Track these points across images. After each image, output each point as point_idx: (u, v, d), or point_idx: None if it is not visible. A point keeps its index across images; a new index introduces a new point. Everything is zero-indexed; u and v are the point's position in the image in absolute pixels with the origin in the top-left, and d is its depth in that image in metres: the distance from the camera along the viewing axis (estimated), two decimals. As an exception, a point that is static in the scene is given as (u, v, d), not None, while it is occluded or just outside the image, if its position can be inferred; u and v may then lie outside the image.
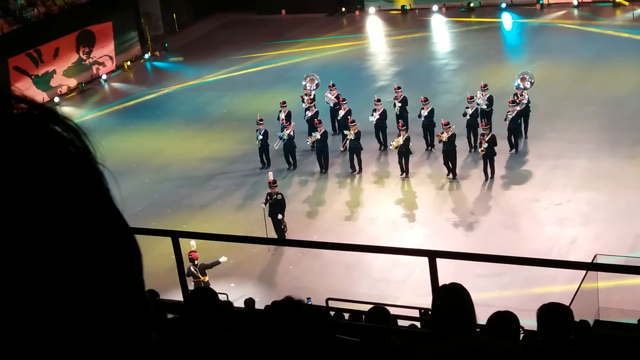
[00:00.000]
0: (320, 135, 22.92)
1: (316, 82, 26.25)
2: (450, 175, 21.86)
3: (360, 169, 22.92)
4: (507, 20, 36.03)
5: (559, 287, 15.37)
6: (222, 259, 17.40)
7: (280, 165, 23.87)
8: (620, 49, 29.76)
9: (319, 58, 31.49)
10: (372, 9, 39.60)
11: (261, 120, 23.71)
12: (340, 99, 25.01)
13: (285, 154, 23.70)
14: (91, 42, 35.30)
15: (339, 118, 24.72)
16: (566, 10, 35.66)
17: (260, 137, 23.59)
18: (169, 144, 26.74)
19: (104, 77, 35.16)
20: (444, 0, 38.12)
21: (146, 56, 37.25)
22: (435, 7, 38.01)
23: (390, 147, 22.62)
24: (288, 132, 23.40)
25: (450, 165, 21.81)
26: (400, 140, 21.92)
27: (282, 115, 24.42)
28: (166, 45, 38.11)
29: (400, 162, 22.19)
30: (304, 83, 26.33)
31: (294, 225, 20.08)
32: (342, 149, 23.60)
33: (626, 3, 34.82)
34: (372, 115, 23.72)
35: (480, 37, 33.84)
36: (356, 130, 22.58)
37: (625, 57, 28.64)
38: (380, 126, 23.83)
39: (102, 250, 0.90)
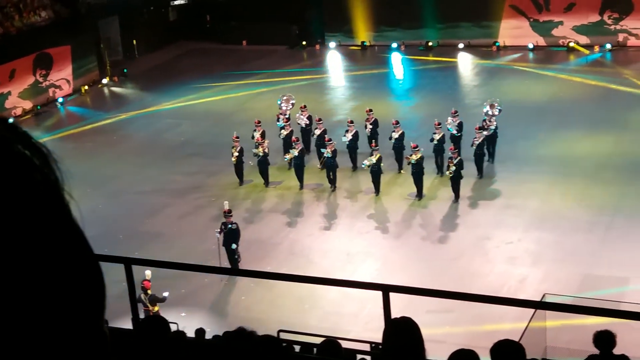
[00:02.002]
0: (298, 152, 23.84)
1: (291, 102, 27.28)
2: (417, 197, 22.82)
3: (335, 186, 23.81)
4: (463, 60, 36.62)
5: (508, 324, 15.53)
6: (166, 293, 17.24)
7: (256, 180, 24.65)
8: (574, 93, 30.40)
9: (278, 90, 31.64)
10: (332, 44, 39.97)
11: (237, 137, 24.34)
12: (317, 119, 25.83)
13: (261, 171, 24.32)
14: (48, 64, 35.06)
15: (315, 137, 25.53)
16: (522, 53, 36.37)
17: (236, 154, 24.19)
18: (124, 170, 26.58)
19: (61, 100, 34.91)
20: (403, 38, 38.62)
21: (104, 81, 37.09)
22: (394, 44, 38.50)
23: (363, 166, 23.53)
24: (262, 149, 24.07)
25: (418, 186, 22.74)
26: (373, 159, 22.84)
27: (257, 135, 25.05)
28: (125, 70, 37.99)
29: (373, 182, 23.11)
30: (279, 102, 27.34)
31: (248, 256, 20.04)
32: (320, 167, 24.33)
33: (585, 51, 35.58)
34: (345, 135, 24.66)
35: (437, 76, 34.31)
36: (333, 149, 23.41)
37: (578, 101, 29.26)
38: (353, 147, 24.74)
39: (65, 277, 0.91)
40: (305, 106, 26.90)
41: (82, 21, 36.36)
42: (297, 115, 26.61)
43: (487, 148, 24.37)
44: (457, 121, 24.58)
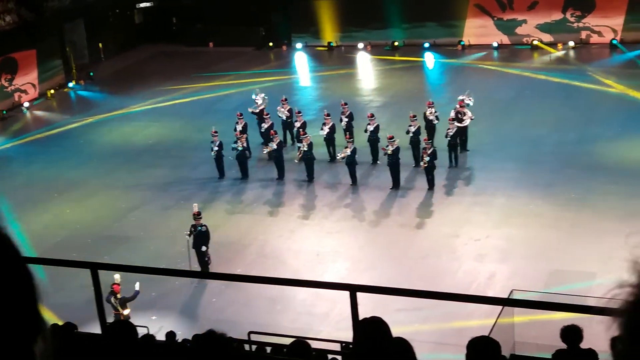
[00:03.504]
0: (276, 145, 24.41)
1: (264, 97, 27.85)
2: (394, 187, 23.39)
3: (312, 178, 24.36)
4: (429, 59, 36.87)
5: (477, 321, 15.70)
6: (137, 286, 17.10)
7: (235, 175, 25.16)
8: (538, 91, 30.72)
9: (246, 91, 31.65)
10: (299, 45, 40.04)
11: (216, 132, 24.92)
12: (297, 111, 26.62)
13: (239, 164, 24.90)
14: (14, 69, 34.76)
15: (295, 129, 26.16)
16: (486, 52, 36.70)
17: (216, 148, 24.68)
18: (92, 174, 26.43)
19: (26, 104, 34.62)
20: (369, 38, 38.81)
21: (70, 85, 36.85)
22: (360, 45, 38.68)
23: (338, 158, 24.20)
24: (241, 143, 24.63)
25: (395, 177, 23.30)
26: (348, 151, 23.48)
27: (239, 127, 25.68)
28: (91, 74, 37.77)
29: (350, 173, 23.72)
30: (254, 97, 28.09)
31: (218, 258, 20.03)
32: (297, 161, 24.77)
33: (550, 49, 35.98)
34: (322, 129, 25.28)
35: (403, 75, 34.51)
36: (308, 142, 23.96)
37: (542, 99, 29.59)
38: (330, 139, 25.33)
39: None
40: (286, 99, 27.58)
41: (47, 25, 36.10)
42: (278, 108, 27.23)
43: (459, 138, 24.99)
44: (435, 111, 25.35)
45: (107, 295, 15.92)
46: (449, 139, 24.18)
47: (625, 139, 25.35)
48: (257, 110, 27.41)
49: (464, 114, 25.14)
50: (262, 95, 28.07)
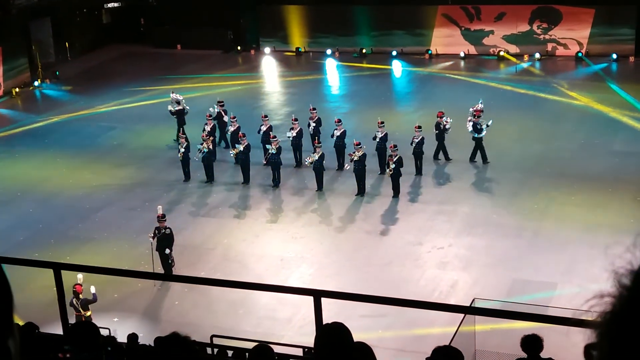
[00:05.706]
0: (244, 148, 24.30)
1: (181, 99, 28.30)
2: (359, 194, 23.44)
3: (279, 183, 24.33)
4: (397, 67, 37.07)
5: (439, 329, 15.83)
6: (92, 289, 16.90)
7: (201, 177, 25.13)
8: (504, 101, 30.99)
9: (213, 94, 31.58)
10: (267, 49, 40.05)
11: (184, 134, 24.98)
12: (262, 115, 26.80)
13: (205, 167, 24.80)
14: (-22, 66, 34.35)
15: (261, 133, 25.98)
16: (453, 61, 36.98)
17: (183, 150, 24.63)
18: (56, 174, 26.22)
19: (-10, 102, 34.22)
20: (337, 45, 38.93)
21: (36, 83, 36.49)
22: (329, 51, 38.78)
23: (306, 163, 24.09)
24: (207, 145, 24.55)
25: (360, 183, 23.30)
26: (315, 156, 23.47)
27: (208, 128, 25.84)
28: (57, 73, 37.43)
29: (316, 178, 23.75)
30: (172, 96, 28.59)
31: (181, 260, 19.96)
32: (264, 163, 24.81)
33: (518, 61, 36.34)
34: (290, 131, 25.21)
35: (371, 83, 34.64)
36: (277, 146, 23.89)
37: (507, 109, 29.85)
38: (297, 144, 25.32)
39: None
40: (221, 101, 27.72)
41: (13, 23, 35.72)
42: (215, 105, 27.47)
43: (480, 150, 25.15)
44: (449, 119, 25.15)
45: (70, 300, 15.81)
46: (413, 146, 24.25)
47: (587, 151, 25.70)
48: (175, 110, 27.81)
49: (481, 124, 25.02)
50: (179, 96, 28.31)
